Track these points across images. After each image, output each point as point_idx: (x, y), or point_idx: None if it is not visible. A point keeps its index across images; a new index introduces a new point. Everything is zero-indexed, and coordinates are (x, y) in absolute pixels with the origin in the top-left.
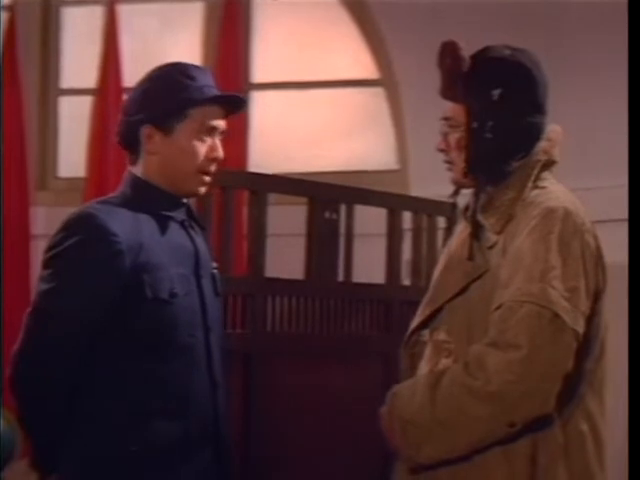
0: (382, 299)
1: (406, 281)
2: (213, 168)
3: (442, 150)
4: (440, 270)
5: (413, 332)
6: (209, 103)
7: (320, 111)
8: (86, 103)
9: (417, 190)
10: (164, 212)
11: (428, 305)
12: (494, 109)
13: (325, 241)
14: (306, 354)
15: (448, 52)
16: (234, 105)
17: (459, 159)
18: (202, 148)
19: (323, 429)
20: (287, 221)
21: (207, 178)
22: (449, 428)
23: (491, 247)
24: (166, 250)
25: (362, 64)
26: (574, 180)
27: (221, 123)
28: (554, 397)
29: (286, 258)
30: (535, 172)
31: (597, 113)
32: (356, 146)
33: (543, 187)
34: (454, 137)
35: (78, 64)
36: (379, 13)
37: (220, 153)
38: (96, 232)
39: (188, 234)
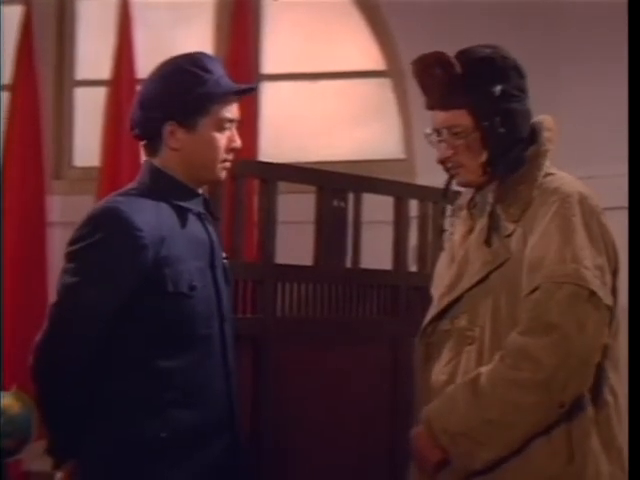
0: (389, 285)
1: (412, 267)
2: (231, 157)
3: (448, 158)
4: (447, 265)
5: (430, 322)
6: (229, 97)
7: (329, 102)
8: (101, 94)
9: (423, 178)
10: (183, 204)
11: (446, 295)
12: (497, 104)
13: (334, 228)
14: (315, 339)
15: (437, 62)
16: (245, 92)
17: (471, 161)
18: (223, 140)
19: (332, 412)
20: (297, 209)
21: (227, 164)
22: (503, 426)
23: (509, 236)
24: (185, 243)
25: (369, 56)
26: (575, 169)
27: (237, 113)
28: (593, 372)
29: (296, 245)
30: (547, 162)
31: (597, 103)
32: (363, 136)
33: (552, 174)
34: (460, 142)
35: (93, 56)
36: (386, 6)
37: (238, 143)
38: (121, 227)
39: (204, 226)
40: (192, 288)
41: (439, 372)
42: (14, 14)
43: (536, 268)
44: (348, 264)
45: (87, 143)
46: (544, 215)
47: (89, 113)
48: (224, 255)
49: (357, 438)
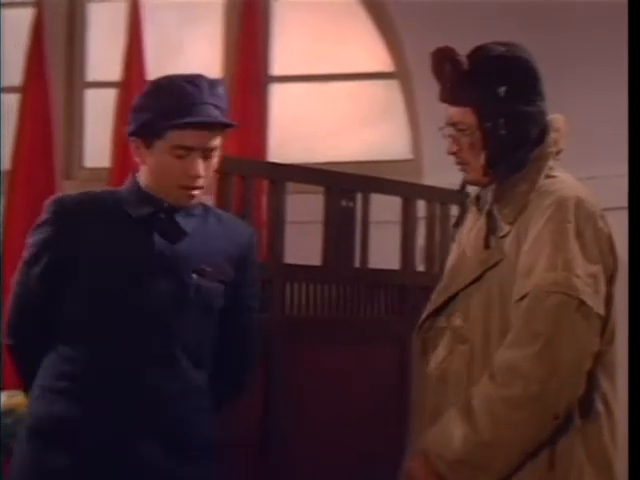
0: (397, 284)
1: (420, 267)
2: (198, 183)
3: (453, 153)
4: (454, 259)
5: (427, 318)
6: (183, 128)
7: (337, 103)
8: (111, 95)
9: (430, 179)
10: (133, 212)
11: (443, 292)
12: (502, 105)
13: (342, 228)
14: (323, 338)
15: (446, 58)
16: (208, 125)
17: (475, 159)
18: (177, 166)
19: (339, 411)
20: (305, 209)
21: (192, 192)
22: (500, 446)
23: (503, 236)
24: (114, 247)
25: (377, 57)
26: (577, 169)
27: (201, 143)
28: (585, 380)
29: (304, 245)
30: (548, 164)
31: (599, 104)
32: (371, 137)
33: (554, 176)
34: (465, 140)
35: (103, 57)
36: (394, 8)
37: (197, 171)
38: (52, 216)
39: (158, 235)
40: (106, 291)
41: (434, 368)
42: (25, 16)
43: (526, 274)
44: (356, 264)
45: (97, 144)
46: (538, 219)
47: (99, 114)
48: (203, 268)
49: (364, 437)
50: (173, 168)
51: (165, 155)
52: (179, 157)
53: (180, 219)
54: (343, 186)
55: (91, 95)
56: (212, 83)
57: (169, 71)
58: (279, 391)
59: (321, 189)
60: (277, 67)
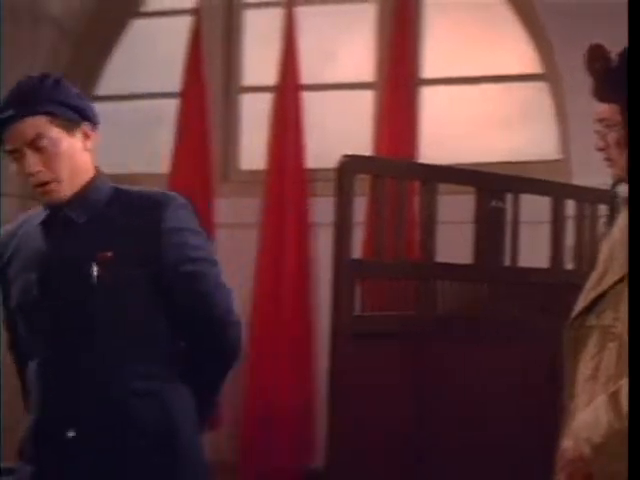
0: (546, 283)
1: (569, 265)
2: (41, 178)
3: (601, 149)
4: (604, 257)
5: (577, 316)
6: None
7: (486, 105)
8: (266, 99)
9: (580, 179)
10: (37, 222)
11: (592, 290)
12: None
13: (492, 228)
14: (473, 336)
15: (597, 56)
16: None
17: (619, 156)
18: (19, 169)
19: (488, 410)
20: (456, 209)
21: (45, 188)
22: None
23: None
24: (25, 259)
25: (526, 60)
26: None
27: (15, 141)
28: None
29: (455, 244)
30: None
31: None
32: (521, 138)
33: None
34: (612, 136)
35: (259, 63)
36: (542, 9)
37: (28, 169)
38: None
39: (55, 235)
40: (24, 303)
41: (584, 367)
42: (184, 24)
43: None
44: (506, 262)
45: (253, 147)
46: None
47: (255, 118)
48: (105, 255)
49: (512, 437)
50: (19, 172)
51: (11, 163)
52: (16, 160)
53: (73, 213)
54: (493, 187)
55: (247, 99)
56: (23, 82)
57: (324, 76)
58: (430, 389)
59: (472, 190)
60: (427, 70)
